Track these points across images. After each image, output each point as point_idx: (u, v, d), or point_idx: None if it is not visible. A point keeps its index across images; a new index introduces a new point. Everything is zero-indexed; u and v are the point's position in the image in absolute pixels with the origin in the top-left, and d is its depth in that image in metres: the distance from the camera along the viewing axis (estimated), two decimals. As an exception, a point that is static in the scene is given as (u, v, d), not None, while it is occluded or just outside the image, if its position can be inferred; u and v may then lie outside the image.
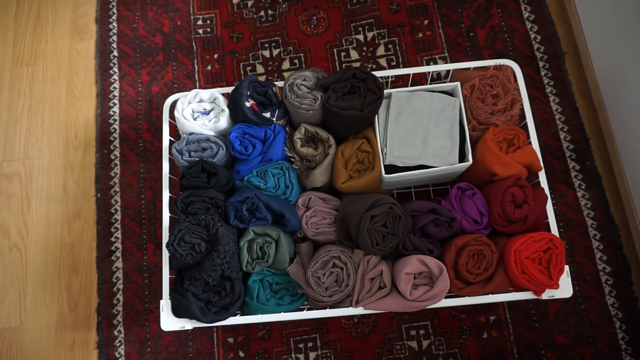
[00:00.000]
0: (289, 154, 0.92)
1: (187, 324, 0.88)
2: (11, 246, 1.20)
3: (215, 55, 1.30)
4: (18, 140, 1.28)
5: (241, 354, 1.10)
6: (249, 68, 1.29)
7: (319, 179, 0.91)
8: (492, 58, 1.22)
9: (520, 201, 0.87)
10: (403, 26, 1.28)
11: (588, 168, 1.15)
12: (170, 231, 0.88)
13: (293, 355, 1.09)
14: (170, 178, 0.97)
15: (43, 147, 1.27)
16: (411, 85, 0.97)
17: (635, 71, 0.99)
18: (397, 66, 1.25)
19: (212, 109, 0.97)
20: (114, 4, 1.36)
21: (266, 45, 1.30)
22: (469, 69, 0.98)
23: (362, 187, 0.91)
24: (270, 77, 1.27)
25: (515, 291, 0.88)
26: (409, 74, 1.02)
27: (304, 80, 0.91)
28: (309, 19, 1.31)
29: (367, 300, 0.85)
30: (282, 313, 0.88)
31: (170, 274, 0.91)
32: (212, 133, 0.94)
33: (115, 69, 1.30)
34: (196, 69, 1.29)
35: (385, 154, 0.91)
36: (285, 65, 1.28)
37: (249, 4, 1.33)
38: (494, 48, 1.24)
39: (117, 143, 1.25)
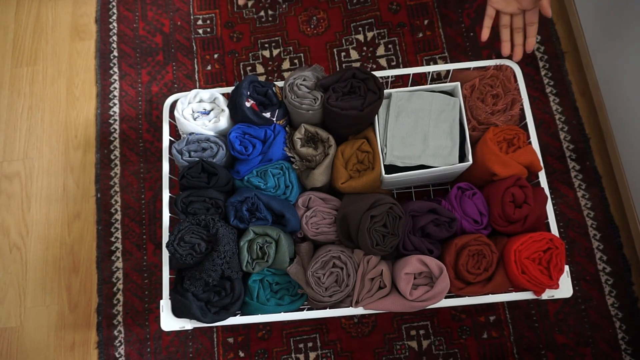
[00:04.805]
0: (289, 154, 0.92)
1: (187, 324, 0.88)
2: (11, 246, 1.20)
3: (215, 55, 1.30)
4: (18, 140, 1.28)
5: (241, 354, 1.10)
6: (249, 68, 1.29)
7: (319, 179, 0.91)
8: (492, 58, 1.22)
9: (520, 201, 0.87)
10: (403, 26, 1.28)
11: (588, 168, 1.15)
12: (170, 231, 0.88)
13: (293, 355, 1.09)
14: (170, 178, 0.97)
15: (43, 147, 1.27)
16: (411, 85, 0.97)
17: (635, 71, 0.99)
18: (397, 66, 1.25)
19: (212, 109, 0.97)
20: (114, 4, 1.36)
21: (266, 45, 1.30)
22: (469, 69, 0.98)
23: (362, 187, 0.91)
24: (270, 77, 1.27)
25: (515, 291, 0.88)
26: (409, 74, 1.02)
27: (304, 80, 0.91)
28: (309, 19, 1.31)
29: (367, 300, 0.85)
30: (282, 313, 0.88)
31: (170, 274, 0.91)
32: (212, 133, 0.94)
33: (115, 69, 1.31)
34: (196, 69, 1.29)
35: (385, 154, 0.91)
36: (285, 65, 1.28)
37: (249, 4, 1.33)
38: (494, 48, 1.24)
39: (117, 143, 1.25)
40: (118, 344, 1.12)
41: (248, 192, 0.88)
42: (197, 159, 0.90)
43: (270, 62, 1.28)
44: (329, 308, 0.89)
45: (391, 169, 0.92)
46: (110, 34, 1.34)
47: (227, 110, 0.94)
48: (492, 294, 0.88)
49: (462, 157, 0.92)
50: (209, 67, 1.29)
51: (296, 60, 1.28)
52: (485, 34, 0.96)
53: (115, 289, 1.15)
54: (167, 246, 0.84)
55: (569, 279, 0.87)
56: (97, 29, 1.34)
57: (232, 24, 1.32)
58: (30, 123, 1.29)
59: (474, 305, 1.08)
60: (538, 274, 0.82)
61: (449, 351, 1.07)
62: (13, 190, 1.24)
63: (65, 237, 1.20)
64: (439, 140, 0.90)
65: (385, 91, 0.92)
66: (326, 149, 0.92)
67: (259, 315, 0.88)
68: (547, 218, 0.90)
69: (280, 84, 0.97)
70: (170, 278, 0.91)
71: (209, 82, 1.28)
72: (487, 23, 0.95)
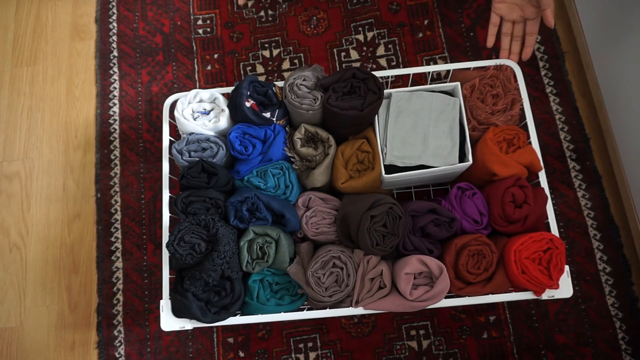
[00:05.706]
0: (289, 154, 0.92)
1: (187, 324, 0.88)
2: (11, 246, 1.20)
3: (215, 55, 1.30)
4: (18, 140, 1.28)
5: (241, 354, 1.10)
6: (249, 68, 1.29)
7: (319, 179, 0.91)
8: (492, 58, 1.22)
9: (521, 201, 0.87)
10: (403, 26, 1.28)
11: (588, 168, 1.15)
12: (170, 231, 0.88)
13: (293, 355, 1.09)
14: (170, 178, 0.97)
15: (43, 147, 1.27)
16: (411, 85, 0.97)
17: (636, 71, 0.99)
18: (397, 66, 1.25)
19: (212, 109, 0.97)
20: (114, 4, 1.36)
21: (266, 45, 1.30)
22: (469, 69, 0.98)
23: (362, 187, 0.91)
24: (270, 77, 1.27)
25: (515, 291, 0.88)
26: (409, 74, 1.02)
27: (304, 80, 0.91)
28: (309, 19, 1.31)
29: (367, 300, 0.85)
30: (282, 313, 0.88)
31: (170, 274, 0.91)
32: (212, 133, 0.94)
33: (115, 69, 1.30)
34: (196, 69, 1.29)
35: (385, 154, 0.91)
36: (285, 65, 1.28)
37: (249, 4, 1.33)
38: (494, 48, 1.24)
39: (117, 143, 1.25)
40: (118, 344, 1.12)
41: (248, 192, 0.88)
42: (197, 159, 0.90)
43: (270, 62, 1.28)
44: (329, 308, 0.89)
45: (391, 169, 0.92)
46: (110, 34, 1.34)
47: (227, 110, 0.94)
48: (492, 294, 0.88)
49: (462, 157, 0.92)
50: (209, 67, 1.29)
51: (296, 60, 1.28)
52: (490, 41, 0.98)
53: (115, 289, 1.15)
54: (167, 246, 0.84)
55: (569, 279, 0.87)
56: (97, 29, 1.34)
57: (232, 24, 1.32)
58: (30, 123, 1.29)
59: (474, 305, 1.08)
60: (538, 274, 0.82)
61: (449, 351, 1.07)
62: (13, 190, 1.24)
63: (65, 237, 1.20)
64: (439, 140, 0.90)
65: (385, 91, 0.92)
66: (326, 149, 0.92)
67: (259, 315, 0.88)
68: (547, 218, 0.90)
69: (280, 84, 0.97)
70: (170, 278, 0.91)
71: (209, 82, 1.28)
72: (492, 31, 0.97)
